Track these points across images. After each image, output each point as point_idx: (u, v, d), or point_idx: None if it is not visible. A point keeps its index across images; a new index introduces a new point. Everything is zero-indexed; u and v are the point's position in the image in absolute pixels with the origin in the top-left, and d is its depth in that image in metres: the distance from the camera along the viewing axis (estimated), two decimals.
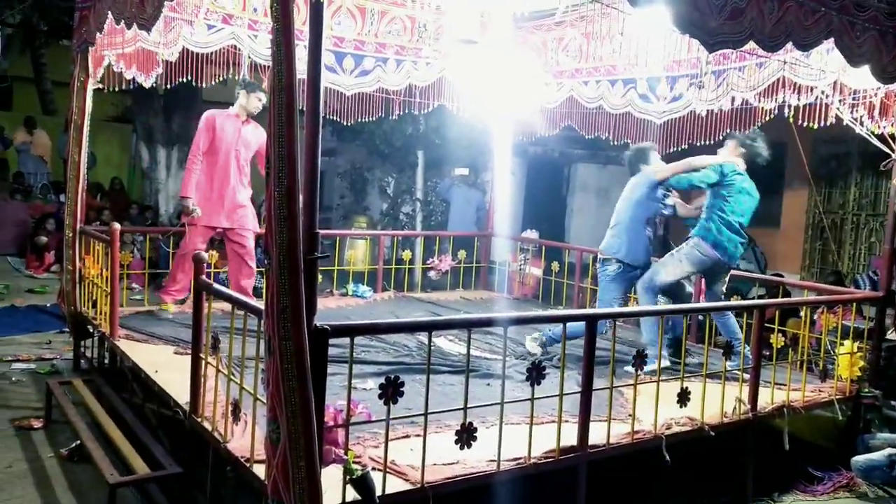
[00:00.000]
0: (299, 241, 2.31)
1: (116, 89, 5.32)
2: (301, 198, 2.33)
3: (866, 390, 4.41)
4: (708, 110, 5.31)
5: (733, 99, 5.14)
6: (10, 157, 12.64)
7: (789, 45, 3.61)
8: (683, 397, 3.48)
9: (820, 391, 4.36)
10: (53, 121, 13.22)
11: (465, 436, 2.76)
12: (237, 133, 5.33)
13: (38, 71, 14.46)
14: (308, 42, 2.37)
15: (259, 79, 5.49)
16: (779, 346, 4.49)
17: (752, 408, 3.86)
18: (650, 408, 3.44)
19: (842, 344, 4.52)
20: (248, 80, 5.32)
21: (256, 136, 5.42)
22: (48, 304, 7.49)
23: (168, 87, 5.27)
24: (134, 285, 7.62)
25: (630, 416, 3.44)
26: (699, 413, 3.60)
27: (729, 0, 3.16)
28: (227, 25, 5.16)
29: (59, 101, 13.52)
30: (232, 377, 3.07)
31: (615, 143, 6.23)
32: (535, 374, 2.93)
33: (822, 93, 4.52)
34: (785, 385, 4.09)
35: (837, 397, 4.29)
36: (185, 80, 5.18)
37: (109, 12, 4.22)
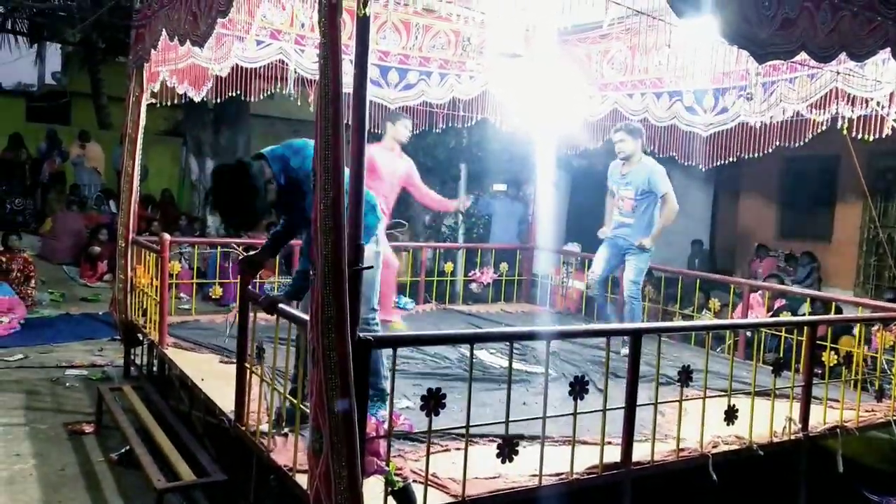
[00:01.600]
0: (344, 252, 2.34)
1: (168, 104, 5.49)
2: (347, 209, 2.35)
3: None
4: (751, 122, 5.22)
5: (784, 111, 5.03)
6: (66, 169, 13.09)
7: (842, 56, 3.52)
8: (731, 415, 3.39)
9: (875, 411, 4.20)
10: (109, 134, 13.67)
11: (507, 450, 2.74)
12: (392, 164, 5.47)
13: (96, 87, 14.97)
14: (354, 56, 2.41)
15: (304, 93, 5.58)
16: (831, 365, 4.35)
17: (803, 427, 3.74)
18: (695, 426, 3.36)
19: None
20: (392, 112, 5.55)
21: (403, 166, 5.56)
22: (101, 313, 7.71)
23: (217, 101, 5.41)
24: (182, 295, 7.80)
25: (674, 435, 3.37)
26: (747, 432, 3.51)
27: (779, 10, 3.10)
28: (275, 41, 5.28)
29: (115, 116, 13.98)
30: (276, 387, 3.11)
31: (660, 155, 6.15)
32: (578, 388, 2.89)
33: (878, 104, 4.39)
34: (838, 404, 3.96)
35: (895, 418, 4.13)
36: (234, 94, 5.31)
37: (164, 30, 4.35)
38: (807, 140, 5.03)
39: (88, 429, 4.53)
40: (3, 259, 7.98)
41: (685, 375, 3.25)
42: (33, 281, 8.18)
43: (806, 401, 3.74)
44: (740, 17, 3.04)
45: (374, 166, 5.25)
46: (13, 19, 13.60)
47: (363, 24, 2.39)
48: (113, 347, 6.44)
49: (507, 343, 3.00)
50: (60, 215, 11.16)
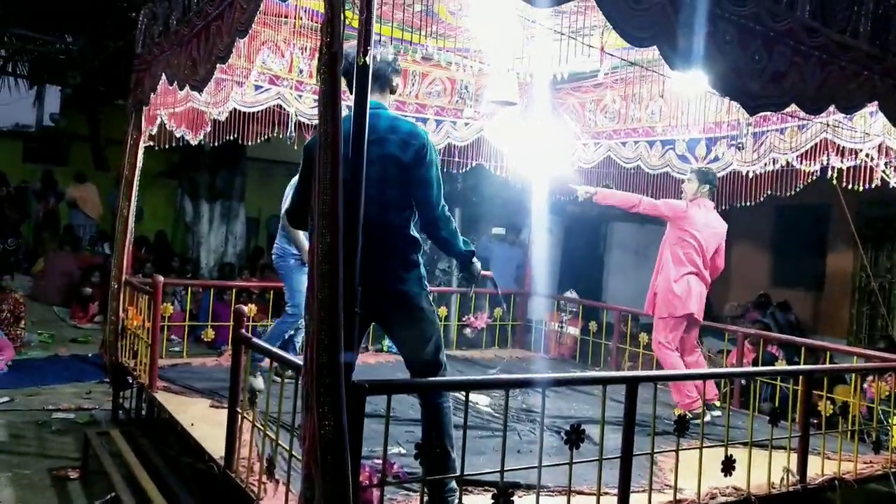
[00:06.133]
0: (340, 297, 2.33)
1: (166, 146, 5.53)
2: (342, 254, 2.35)
3: None
4: (744, 171, 5.29)
5: (774, 160, 5.10)
6: (61, 210, 13.10)
7: (832, 108, 3.60)
8: (728, 466, 3.35)
9: (873, 464, 4.16)
10: (105, 176, 13.71)
11: (502, 499, 2.68)
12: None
13: (94, 128, 15.09)
14: (353, 104, 2.44)
15: (302, 137, 5.64)
16: (827, 414, 4.33)
17: (801, 479, 3.69)
18: (692, 476, 3.31)
19: (895, 414, 4.34)
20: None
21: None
22: (90, 354, 7.62)
23: (214, 144, 5.45)
24: (173, 337, 7.73)
25: (671, 485, 3.32)
26: (745, 483, 3.46)
27: (770, 64, 3.18)
28: (273, 86, 5.35)
29: (111, 158, 14.05)
30: (268, 433, 3.06)
31: None
32: (574, 437, 2.86)
33: (867, 155, 4.46)
34: (836, 455, 3.92)
35: (893, 471, 4.09)
36: (231, 138, 5.36)
37: (164, 74, 4.42)
38: (797, 189, 5.09)
39: (73, 474, 4.43)
40: None
41: (682, 425, 3.22)
42: (23, 322, 8.09)
43: (803, 452, 3.71)
44: (731, 69, 3.11)
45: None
46: (14, 62, 13.76)
47: (362, 73, 2.43)
48: (101, 390, 6.35)
49: (504, 390, 2.97)
50: (53, 256, 11.11)
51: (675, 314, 4.86)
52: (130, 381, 5.25)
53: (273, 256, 5.10)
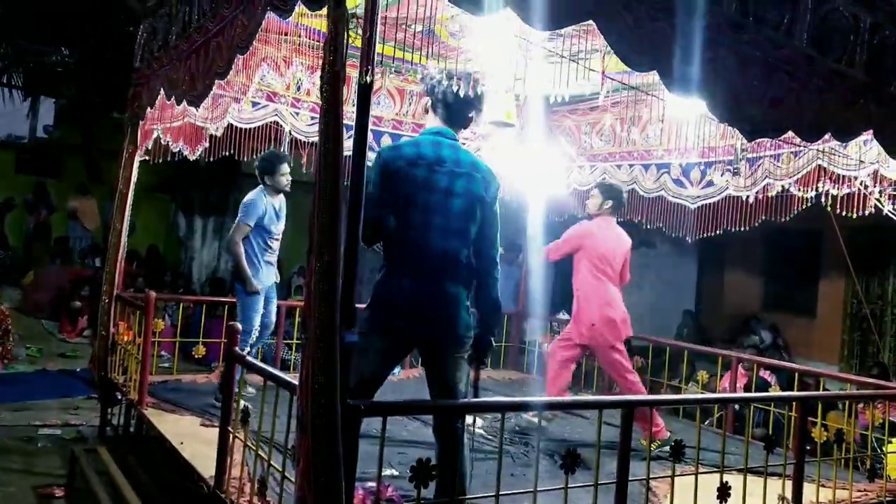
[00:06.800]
0: (337, 317, 2.30)
1: (160, 161, 5.50)
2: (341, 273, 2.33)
3: None
4: (743, 196, 5.31)
5: (770, 186, 5.12)
6: (58, 221, 13.02)
7: (827, 136, 3.62)
8: (724, 492, 3.31)
9: (868, 492, 4.14)
10: (99, 189, 13.66)
11: None
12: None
13: (88, 141, 15.06)
14: (354, 122, 2.43)
15: (297, 154, 5.63)
16: (821, 441, 4.31)
17: None
18: (686, 502, 3.28)
19: (890, 441, 4.32)
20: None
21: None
22: (78, 369, 7.52)
23: (210, 159, 5.43)
24: (163, 353, 7.64)
25: None
26: None
27: (768, 90, 3.20)
28: (270, 103, 5.35)
29: (105, 170, 14.01)
30: (260, 453, 3.01)
31: (648, 226, 6.24)
32: (570, 461, 2.83)
33: (862, 183, 4.49)
34: (830, 483, 3.90)
35: (888, 499, 4.07)
36: (227, 153, 5.34)
37: (161, 89, 4.41)
38: (792, 216, 5.12)
39: (59, 492, 4.35)
40: None
41: (677, 450, 3.19)
42: (10, 335, 7.98)
43: (798, 479, 3.68)
44: (730, 95, 3.12)
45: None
46: (10, 73, 13.75)
47: (364, 92, 2.42)
48: (89, 406, 6.25)
49: (499, 413, 2.94)
50: (43, 268, 11.01)
51: (629, 338, 4.94)
52: (119, 398, 5.18)
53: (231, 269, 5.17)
